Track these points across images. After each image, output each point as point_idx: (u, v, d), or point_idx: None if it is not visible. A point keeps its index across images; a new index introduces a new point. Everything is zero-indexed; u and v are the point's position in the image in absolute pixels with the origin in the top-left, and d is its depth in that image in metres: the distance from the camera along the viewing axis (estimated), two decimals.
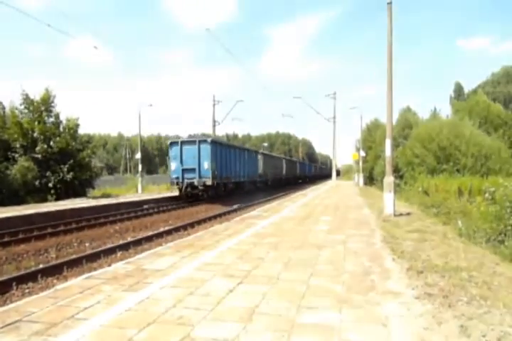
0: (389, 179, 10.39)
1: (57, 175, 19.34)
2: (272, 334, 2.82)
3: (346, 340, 2.74)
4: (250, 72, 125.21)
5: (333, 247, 6.05)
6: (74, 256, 7.68)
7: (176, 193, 21.05)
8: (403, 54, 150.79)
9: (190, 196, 19.77)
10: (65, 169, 19.48)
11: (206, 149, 19.32)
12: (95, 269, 5.88)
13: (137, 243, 9.08)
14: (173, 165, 19.75)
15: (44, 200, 17.88)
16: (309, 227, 8.27)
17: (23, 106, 20.32)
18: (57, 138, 19.74)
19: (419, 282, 4.11)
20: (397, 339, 2.75)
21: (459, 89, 65.14)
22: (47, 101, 20.54)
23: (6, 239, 9.23)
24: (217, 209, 17.25)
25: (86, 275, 4.62)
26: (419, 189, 15.45)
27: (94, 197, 19.80)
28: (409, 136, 21.42)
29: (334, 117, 31.43)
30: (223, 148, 21.63)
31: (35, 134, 19.48)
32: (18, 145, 19.41)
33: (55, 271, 6.69)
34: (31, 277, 6.28)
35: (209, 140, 19.77)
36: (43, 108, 20.32)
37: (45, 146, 19.37)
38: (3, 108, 20.93)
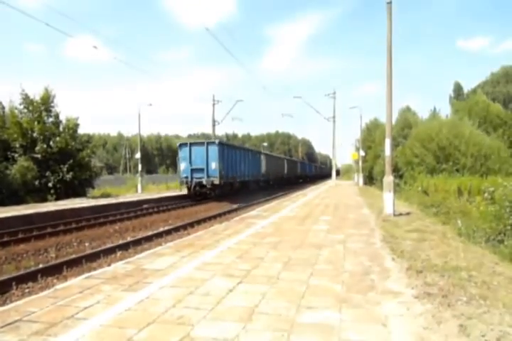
0: (388, 179, 10.39)
1: (56, 175, 19.32)
2: (272, 333, 2.83)
3: (346, 340, 2.74)
4: (250, 71, 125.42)
5: (333, 247, 6.06)
6: (74, 256, 7.66)
7: (176, 193, 21.68)
8: (403, 54, 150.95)
9: (198, 195, 20.59)
10: (65, 169, 19.46)
11: (214, 150, 20.24)
12: (95, 269, 5.87)
13: (137, 243, 9.08)
14: (183, 165, 20.70)
15: (44, 200, 17.86)
16: (309, 227, 8.27)
17: (22, 106, 20.29)
18: (57, 138, 19.70)
19: (418, 281, 4.11)
20: (397, 339, 2.75)
21: (458, 89, 65.18)
22: (46, 101, 20.50)
23: (5, 239, 9.21)
24: (217, 208, 17.26)
25: (86, 275, 4.62)
26: (419, 188, 15.48)
27: (94, 197, 19.79)
28: (409, 136, 21.45)
29: (334, 117, 31.44)
30: (229, 149, 22.65)
31: (34, 134, 19.44)
32: (17, 145, 19.38)
33: (55, 270, 6.68)
34: (31, 277, 6.27)
35: (217, 142, 20.77)
36: (42, 108, 20.28)
37: (45, 146, 19.34)
38: (3, 108, 20.88)
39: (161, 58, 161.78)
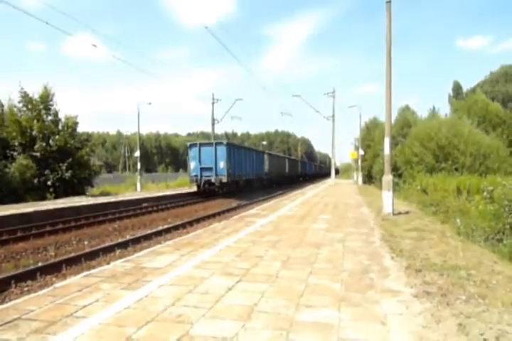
0: (388, 177, 10.39)
1: (56, 174, 19.28)
2: (271, 332, 2.83)
3: (345, 338, 2.74)
4: (249, 70, 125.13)
5: (332, 245, 6.06)
6: (73, 254, 7.66)
7: (175, 191, 22.50)
8: (402, 53, 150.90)
9: (207, 192, 21.95)
10: (64, 167, 19.41)
11: (222, 150, 21.58)
12: (94, 267, 5.85)
13: (136, 241, 9.08)
14: (193, 164, 22.10)
15: (43, 198, 17.83)
16: (308, 226, 8.27)
17: (21, 104, 20.23)
18: (56, 137, 19.65)
19: (417, 280, 4.11)
20: (396, 338, 2.75)
21: (457, 88, 65.28)
22: (46, 99, 20.42)
23: (4, 237, 9.20)
24: (217, 207, 17.25)
25: (85, 273, 4.61)
26: (418, 187, 15.49)
27: (93, 196, 19.76)
28: (408, 135, 21.42)
29: (333, 116, 31.43)
30: (236, 149, 24.04)
31: (33, 132, 19.37)
32: (16, 144, 19.32)
33: (54, 269, 6.68)
34: (30, 275, 6.27)
35: (224, 142, 22.27)
36: (41, 106, 20.21)
37: (44, 144, 19.29)
38: (2, 106, 20.79)
39: (160, 57, 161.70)
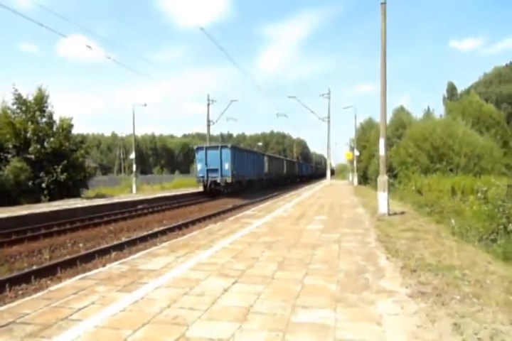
0: (383, 178, 10.44)
1: (50, 176, 19.10)
2: (267, 333, 2.83)
3: (341, 339, 2.74)
4: (245, 71, 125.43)
5: (328, 246, 6.07)
6: (68, 257, 7.60)
7: (171, 193, 22.59)
8: (397, 54, 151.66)
9: (213, 191, 23.55)
10: (59, 169, 19.24)
11: (227, 153, 23.33)
12: (89, 270, 5.81)
13: (132, 243, 9.04)
14: (199, 166, 23.79)
15: (37, 201, 17.66)
16: (304, 227, 8.28)
17: (15, 106, 20.05)
18: (51, 139, 19.48)
19: (412, 280, 4.14)
20: (392, 338, 2.77)
21: (451, 89, 65.68)
22: (40, 101, 20.24)
23: None
24: (212, 208, 17.23)
25: (80, 276, 4.59)
26: (413, 188, 15.56)
27: (88, 198, 19.65)
28: (403, 136, 21.57)
29: (328, 117, 31.51)
30: (239, 152, 25.96)
31: (28, 134, 19.15)
32: (10, 146, 19.11)
33: (49, 272, 6.62)
34: (24, 278, 6.21)
35: (229, 145, 24.18)
36: (36, 108, 20.05)
37: (39, 147, 19.09)
38: None
39: (155, 58, 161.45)
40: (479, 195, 8.21)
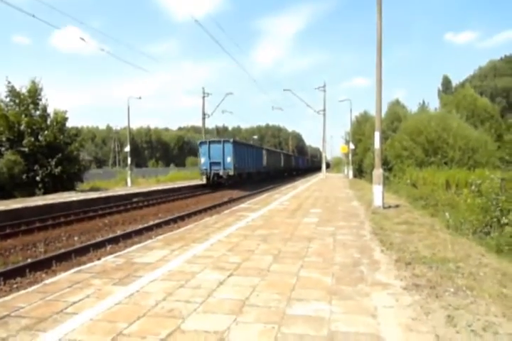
0: (378, 171, 10.46)
1: (45, 169, 18.92)
2: (263, 325, 2.84)
3: (336, 331, 2.76)
4: (240, 64, 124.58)
5: (323, 239, 6.09)
6: (63, 250, 7.58)
7: (167, 186, 22.74)
8: (391, 47, 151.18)
9: (216, 183, 24.94)
10: (53, 163, 19.06)
11: (229, 147, 24.65)
12: (84, 263, 5.80)
13: (127, 236, 9.03)
14: (203, 159, 25.22)
15: (32, 194, 17.53)
16: (299, 219, 8.31)
17: (8, 99, 19.79)
18: (45, 132, 19.27)
19: (407, 273, 4.16)
20: (386, 330, 2.79)
21: (446, 83, 65.73)
22: (34, 94, 19.96)
23: None
24: (208, 201, 17.21)
25: (75, 269, 4.57)
26: (408, 181, 15.62)
27: (83, 191, 19.54)
28: (398, 129, 21.57)
29: (324, 110, 31.46)
30: (240, 146, 27.22)
31: (21, 127, 18.93)
32: (4, 139, 18.87)
33: (44, 265, 6.61)
34: (19, 272, 6.20)
35: (231, 140, 25.63)
36: (29, 100, 19.78)
37: (33, 140, 18.87)
38: None
39: (149, 50, 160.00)
40: (473, 188, 8.24)
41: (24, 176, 18.37)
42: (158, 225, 10.60)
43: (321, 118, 31.74)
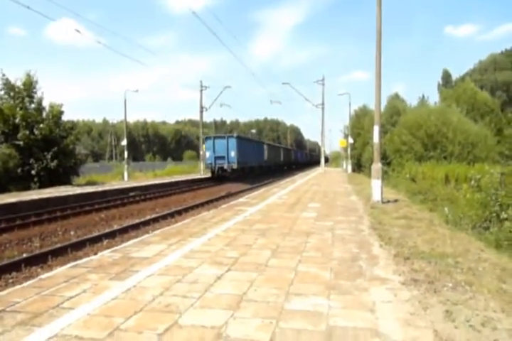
0: (377, 166, 10.41)
1: (40, 163, 18.68)
2: (261, 320, 2.82)
3: (334, 326, 2.74)
4: (238, 57, 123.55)
5: (321, 234, 6.07)
6: (59, 245, 7.51)
7: (164, 180, 22.81)
8: (391, 40, 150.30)
9: (220, 177, 26.19)
10: (49, 156, 18.82)
11: (232, 142, 26.05)
12: (81, 258, 5.73)
13: (124, 231, 8.97)
14: (208, 154, 26.57)
15: (27, 188, 17.34)
16: (298, 214, 8.28)
17: (3, 92, 19.54)
18: (41, 125, 19.04)
19: (405, 268, 4.15)
20: (384, 325, 2.77)
21: (446, 77, 65.46)
22: (29, 87, 19.71)
23: None
24: (206, 195, 17.18)
25: (71, 264, 4.53)
26: (407, 176, 15.58)
27: (79, 185, 19.42)
28: (398, 123, 21.46)
29: (323, 104, 31.38)
30: (243, 141, 28.69)
31: (16, 121, 18.66)
32: None
33: (39, 260, 6.54)
34: (14, 267, 6.13)
35: (235, 135, 27.20)
36: (24, 93, 19.53)
37: (28, 133, 18.61)
38: None
39: (146, 43, 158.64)
40: (473, 182, 8.22)
41: (19, 170, 18.18)
42: (155, 219, 10.55)
43: (319, 112, 31.87)
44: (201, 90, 32.07)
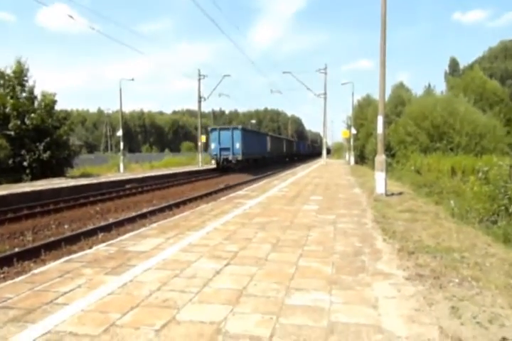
0: (380, 157, 10.24)
1: (32, 154, 18.28)
2: (260, 316, 2.76)
3: (336, 322, 2.68)
4: (238, 45, 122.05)
5: (323, 227, 5.97)
6: (52, 239, 7.37)
7: (161, 172, 23.10)
8: (396, 27, 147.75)
9: (225, 168, 26.95)
10: (41, 147, 18.41)
11: (237, 134, 26.80)
12: (75, 252, 5.61)
13: (120, 224, 8.83)
14: (213, 145, 27.19)
15: (18, 180, 16.97)
16: (299, 207, 8.18)
17: None
18: (32, 115, 18.56)
19: (410, 263, 4.05)
20: (388, 321, 2.70)
21: (454, 65, 64.08)
22: (20, 75, 19.21)
23: None
24: (204, 188, 17.05)
25: (65, 258, 4.43)
26: (412, 168, 15.38)
27: (73, 177, 19.19)
28: (402, 113, 21.09)
29: (325, 93, 31.02)
30: (247, 133, 29.45)
31: (7, 110, 18.26)
32: None
33: (32, 254, 6.41)
34: (6, 261, 6.00)
35: (239, 127, 28.01)
36: (15, 82, 19.06)
37: (19, 123, 18.17)
38: None
39: (142, 30, 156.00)
40: (480, 175, 8.05)
41: (10, 161, 17.86)
42: (153, 212, 10.37)
43: (321, 101, 31.40)
44: (199, 79, 31.67)
